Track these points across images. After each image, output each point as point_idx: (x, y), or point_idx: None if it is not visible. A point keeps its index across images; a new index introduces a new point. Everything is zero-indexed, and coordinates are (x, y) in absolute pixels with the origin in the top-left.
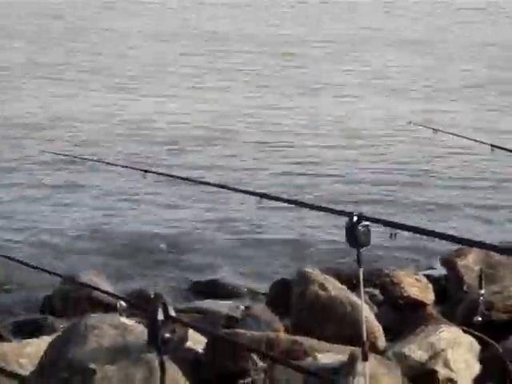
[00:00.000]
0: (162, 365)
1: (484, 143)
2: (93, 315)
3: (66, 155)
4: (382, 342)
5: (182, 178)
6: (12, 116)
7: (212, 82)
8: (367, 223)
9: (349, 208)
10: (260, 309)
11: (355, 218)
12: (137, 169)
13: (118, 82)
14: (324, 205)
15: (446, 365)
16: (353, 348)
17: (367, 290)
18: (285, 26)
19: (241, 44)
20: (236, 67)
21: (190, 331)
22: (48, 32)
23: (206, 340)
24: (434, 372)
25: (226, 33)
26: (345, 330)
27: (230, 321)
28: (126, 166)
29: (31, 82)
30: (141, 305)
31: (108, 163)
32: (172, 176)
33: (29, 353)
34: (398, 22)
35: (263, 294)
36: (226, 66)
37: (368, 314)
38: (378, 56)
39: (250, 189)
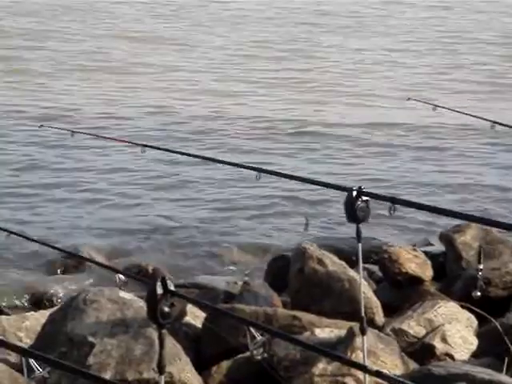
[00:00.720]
0: (160, 339)
1: (485, 119)
2: (92, 289)
3: (65, 129)
4: (380, 318)
5: (180, 153)
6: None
7: (210, 57)
8: (366, 198)
9: (348, 184)
10: (258, 284)
11: (354, 193)
12: (135, 143)
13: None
14: (323, 180)
15: (444, 340)
16: (351, 323)
17: (366, 266)
18: None
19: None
20: (233, 40)
21: (189, 306)
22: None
23: (204, 315)
24: (432, 347)
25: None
26: (343, 305)
27: (229, 296)
28: (124, 141)
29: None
30: (140, 279)
31: (106, 138)
32: (170, 151)
33: (27, 326)
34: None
35: (262, 269)
36: (222, 42)
37: (367, 290)
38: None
39: (249, 164)
